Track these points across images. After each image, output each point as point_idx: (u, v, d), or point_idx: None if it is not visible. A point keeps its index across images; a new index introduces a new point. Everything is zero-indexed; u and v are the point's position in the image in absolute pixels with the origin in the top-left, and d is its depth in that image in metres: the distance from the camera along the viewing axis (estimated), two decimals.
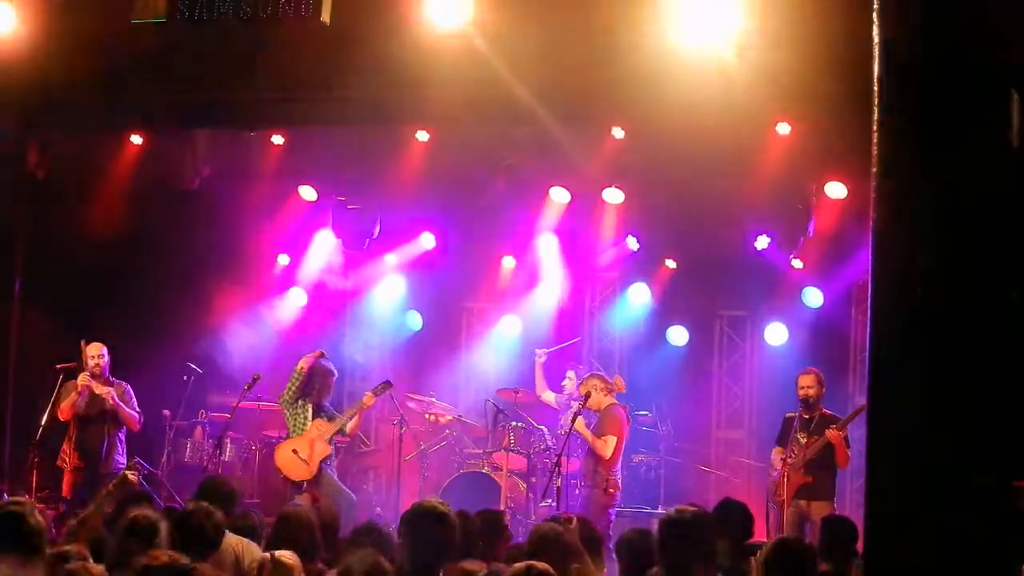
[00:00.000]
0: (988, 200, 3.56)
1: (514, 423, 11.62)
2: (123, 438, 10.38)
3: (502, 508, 10.00)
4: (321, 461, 10.18)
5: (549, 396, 11.79)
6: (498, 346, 13.38)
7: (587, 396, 10.04)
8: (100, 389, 10.15)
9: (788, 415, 9.72)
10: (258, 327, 13.00)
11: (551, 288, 13.33)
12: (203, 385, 12.45)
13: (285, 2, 8.31)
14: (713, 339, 13.41)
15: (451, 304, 13.85)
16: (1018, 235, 3.56)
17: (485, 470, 11.32)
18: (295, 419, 10.40)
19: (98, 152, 11.60)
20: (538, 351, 11.98)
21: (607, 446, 9.85)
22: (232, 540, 6.18)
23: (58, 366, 10.36)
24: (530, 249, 13.20)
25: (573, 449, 10.19)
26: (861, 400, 10.36)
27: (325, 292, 13.71)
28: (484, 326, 13.80)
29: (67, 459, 10.18)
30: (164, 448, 11.97)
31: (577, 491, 10.23)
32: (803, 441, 9.43)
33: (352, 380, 13.34)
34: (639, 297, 13.20)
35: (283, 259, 13.46)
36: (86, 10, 9.03)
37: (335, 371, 10.74)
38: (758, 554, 5.97)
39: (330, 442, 10.30)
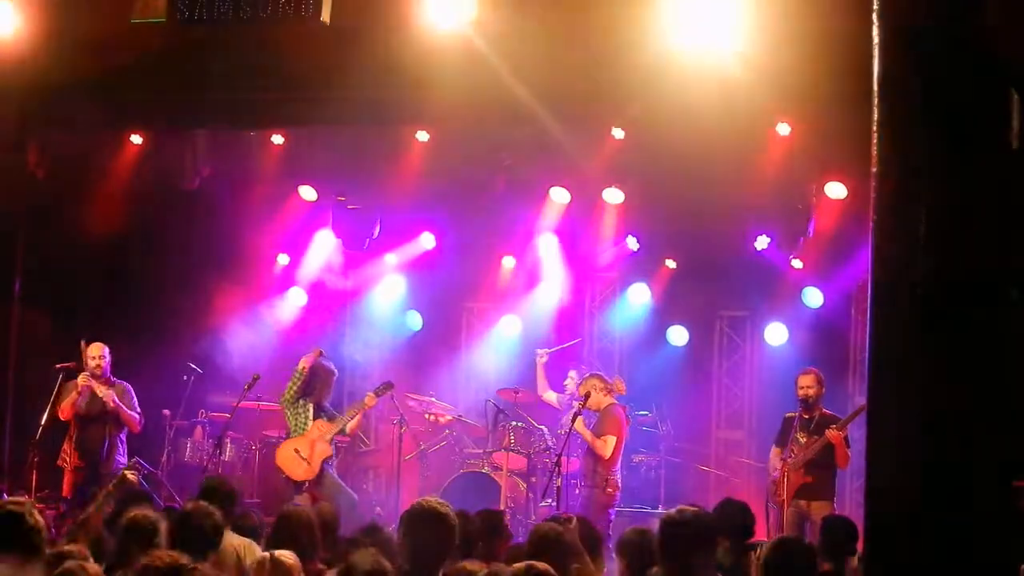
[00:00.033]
0: (988, 200, 3.56)
1: (514, 423, 11.62)
2: (124, 438, 10.37)
3: (502, 508, 10.00)
4: (323, 461, 10.19)
5: (551, 396, 11.79)
6: (498, 346, 13.38)
7: (587, 396, 10.05)
8: (102, 391, 10.14)
9: (788, 415, 9.71)
10: (258, 327, 13.00)
11: (551, 288, 13.33)
12: (203, 385, 12.44)
13: (285, 2, 8.30)
14: (713, 339, 13.41)
15: (451, 304, 13.84)
16: (1018, 235, 3.56)
17: (485, 470, 11.32)
18: (296, 419, 10.40)
19: (98, 152, 11.60)
20: (539, 351, 11.97)
21: (607, 446, 9.86)
22: (235, 541, 6.18)
23: (58, 366, 10.34)
24: (530, 249, 13.20)
25: (573, 449, 10.19)
26: (861, 400, 10.36)
27: (325, 292, 13.71)
28: (484, 326, 13.81)
29: (68, 459, 10.17)
30: (164, 448, 11.96)
31: (577, 491, 10.23)
32: (803, 441, 9.43)
33: (352, 380, 13.35)
34: (639, 297, 13.20)
35: (283, 259, 13.46)
36: (86, 10, 9.03)
37: (335, 370, 10.76)
38: (758, 551, 5.98)
39: (331, 442, 10.31)
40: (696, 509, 5.17)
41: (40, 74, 9.15)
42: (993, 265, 3.54)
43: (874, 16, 3.69)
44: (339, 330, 13.75)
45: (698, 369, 13.22)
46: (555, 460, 9.81)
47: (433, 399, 12.41)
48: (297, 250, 13.39)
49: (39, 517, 5.02)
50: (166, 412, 12.08)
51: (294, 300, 13.48)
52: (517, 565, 4.78)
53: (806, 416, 9.52)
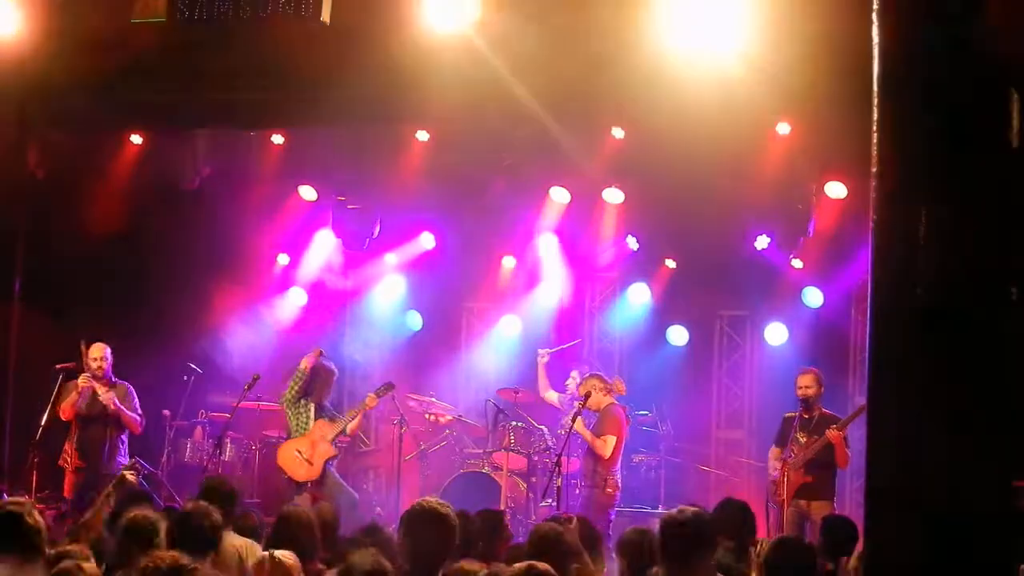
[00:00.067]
0: (988, 200, 3.56)
1: (514, 423, 11.62)
2: (125, 439, 10.36)
3: (502, 508, 10.00)
4: (325, 461, 10.19)
5: (552, 396, 11.79)
6: (498, 346, 13.38)
7: (587, 396, 10.05)
8: (103, 393, 10.13)
9: (787, 415, 9.72)
10: (258, 327, 13.00)
11: (551, 288, 13.33)
12: (203, 385, 12.44)
13: (285, 2, 8.31)
14: (713, 339, 13.40)
15: (451, 304, 13.84)
16: (1018, 235, 3.55)
17: (485, 470, 11.33)
18: (297, 419, 10.40)
19: (98, 152, 11.61)
20: (540, 351, 11.97)
21: (606, 446, 9.87)
22: (236, 541, 6.18)
23: (58, 366, 10.35)
24: (530, 249, 13.20)
25: (573, 449, 10.19)
26: (861, 400, 10.36)
27: (325, 292, 13.71)
28: (484, 326, 13.80)
29: (69, 459, 10.17)
30: (164, 448, 11.96)
31: (577, 491, 10.24)
32: (803, 441, 9.43)
33: (352, 380, 13.35)
34: (639, 297, 13.20)
35: (283, 259, 13.46)
36: (86, 10, 9.03)
37: (336, 370, 10.76)
38: (758, 549, 5.98)
39: (333, 443, 10.31)
40: (696, 509, 5.17)
41: (40, 74, 9.15)
42: (993, 265, 3.53)
43: (874, 16, 3.69)
44: (339, 330, 13.74)
45: (698, 369, 13.21)
46: (555, 460, 9.81)
47: (433, 399, 12.41)
48: (297, 250, 13.39)
49: (39, 517, 5.03)
50: (166, 412, 12.08)
51: (294, 300, 13.47)
52: (517, 565, 4.77)
53: (806, 416, 9.53)
